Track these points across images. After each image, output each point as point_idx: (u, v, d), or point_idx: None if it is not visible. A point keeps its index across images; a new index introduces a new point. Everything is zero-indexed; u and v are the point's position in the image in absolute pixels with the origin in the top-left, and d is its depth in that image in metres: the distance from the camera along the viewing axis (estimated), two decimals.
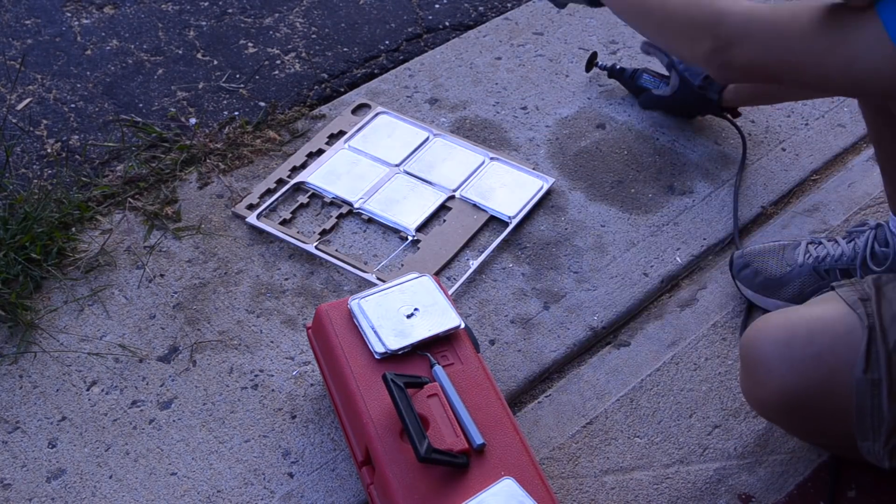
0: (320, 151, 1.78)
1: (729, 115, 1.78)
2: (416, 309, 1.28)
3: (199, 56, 2.12)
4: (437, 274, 1.56)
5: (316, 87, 2.04)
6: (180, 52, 2.13)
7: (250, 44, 2.15)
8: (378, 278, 1.54)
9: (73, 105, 1.99)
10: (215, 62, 2.10)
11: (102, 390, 1.43)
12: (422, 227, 1.64)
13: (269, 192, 1.71)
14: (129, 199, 1.72)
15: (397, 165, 1.74)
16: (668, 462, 1.32)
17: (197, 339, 1.49)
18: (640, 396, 1.40)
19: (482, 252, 1.60)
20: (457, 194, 1.69)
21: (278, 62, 2.10)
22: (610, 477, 1.31)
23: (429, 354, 1.24)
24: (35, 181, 1.77)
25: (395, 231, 1.64)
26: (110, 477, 1.32)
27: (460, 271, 1.57)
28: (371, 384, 1.21)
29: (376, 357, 1.23)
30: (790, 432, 1.30)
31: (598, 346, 1.49)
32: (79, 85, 2.03)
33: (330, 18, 2.23)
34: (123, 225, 1.67)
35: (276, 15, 2.23)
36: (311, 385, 1.42)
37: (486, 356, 1.45)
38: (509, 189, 1.70)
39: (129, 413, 1.40)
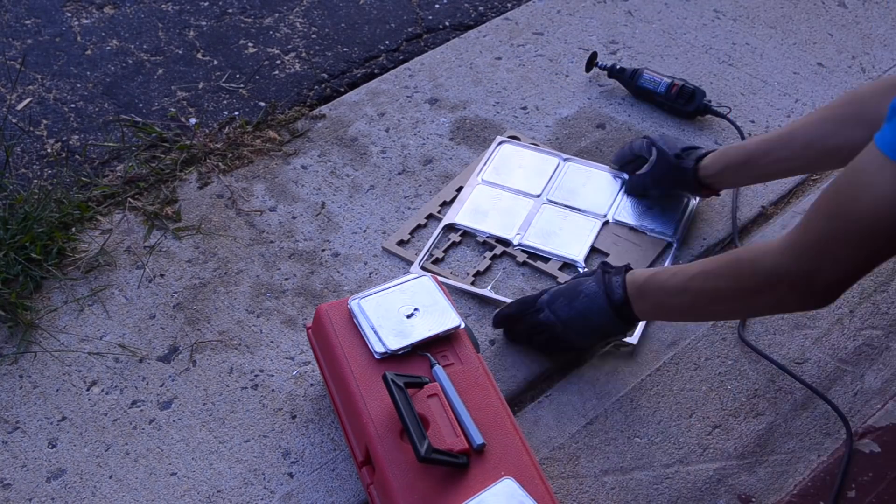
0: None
1: (706, 192, 1.57)
2: (416, 309, 1.28)
3: (199, 56, 2.12)
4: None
5: (316, 87, 2.04)
6: (180, 52, 2.13)
7: (250, 44, 2.15)
8: None
9: (73, 105, 1.99)
10: (215, 62, 2.10)
11: (102, 390, 1.43)
12: (587, 258, 1.58)
13: (420, 227, 1.64)
14: (129, 199, 1.72)
15: (539, 196, 1.67)
16: (668, 462, 1.32)
17: (197, 339, 1.49)
18: (640, 396, 1.40)
19: None
20: (610, 218, 1.63)
21: (278, 62, 2.10)
22: (610, 477, 1.31)
23: (429, 354, 1.24)
24: (35, 181, 1.77)
25: (551, 276, 1.56)
26: (110, 477, 1.32)
27: None
28: (371, 384, 1.21)
29: (376, 357, 1.23)
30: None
31: (599, 346, 1.49)
32: (79, 85, 2.03)
33: (330, 18, 2.23)
34: (123, 225, 1.67)
35: (276, 15, 2.23)
36: (311, 385, 1.42)
37: (486, 356, 1.44)
38: (659, 208, 1.64)
39: (129, 413, 1.40)
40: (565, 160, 1.73)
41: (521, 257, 1.59)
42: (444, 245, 1.61)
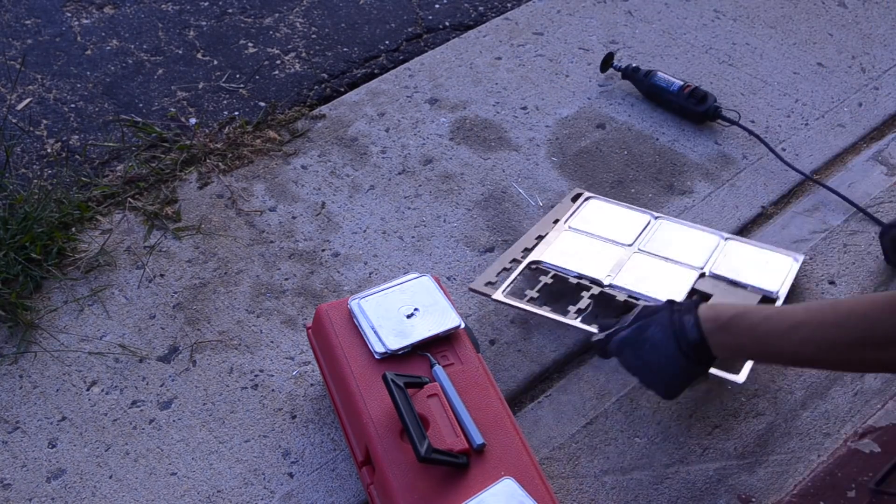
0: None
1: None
2: (416, 309, 1.28)
3: (199, 56, 2.12)
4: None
5: (316, 86, 2.04)
6: (180, 52, 2.13)
7: (250, 44, 2.15)
8: None
9: (73, 105, 1.99)
10: (215, 62, 2.10)
11: (102, 390, 1.43)
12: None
13: (506, 270, 1.53)
14: (129, 199, 1.72)
15: (630, 245, 1.58)
16: (668, 462, 1.32)
17: (197, 339, 1.49)
18: (640, 396, 1.40)
19: None
20: (707, 271, 1.53)
21: (278, 62, 2.10)
22: (610, 477, 1.31)
23: (429, 354, 1.24)
24: (35, 181, 1.77)
25: None
26: (110, 477, 1.32)
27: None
28: (371, 384, 1.21)
29: (376, 357, 1.23)
30: None
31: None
32: (79, 85, 2.03)
33: (330, 18, 2.23)
34: (123, 225, 1.67)
35: (276, 15, 2.23)
36: (311, 385, 1.42)
37: (486, 356, 1.44)
38: (758, 266, 1.54)
39: (129, 413, 1.40)
40: (656, 218, 1.63)
41: (622, 296, 1.50)
42: (537, 286, 1.51)
